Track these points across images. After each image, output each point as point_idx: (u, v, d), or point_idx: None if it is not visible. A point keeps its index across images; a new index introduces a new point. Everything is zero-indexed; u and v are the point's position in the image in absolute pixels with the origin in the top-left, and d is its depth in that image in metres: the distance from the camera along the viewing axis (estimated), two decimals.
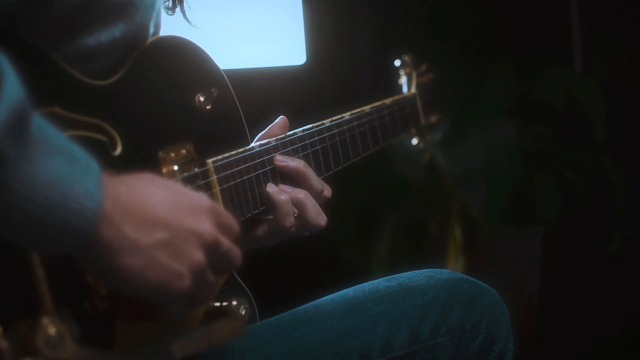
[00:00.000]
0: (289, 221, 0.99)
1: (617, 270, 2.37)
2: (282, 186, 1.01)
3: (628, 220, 2.25)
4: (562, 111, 2.33)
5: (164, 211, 0.72)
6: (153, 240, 0.71)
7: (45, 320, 0.68)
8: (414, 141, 1.57)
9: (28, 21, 0.74)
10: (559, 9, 2.43)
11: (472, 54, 2.51)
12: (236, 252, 0.79)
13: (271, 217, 1.01)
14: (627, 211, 2.25)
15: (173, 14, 1.00)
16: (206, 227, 0.75)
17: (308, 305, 1.06)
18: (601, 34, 2.40)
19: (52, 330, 0.68)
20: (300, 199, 1.00)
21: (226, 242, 0.77)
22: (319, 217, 1.01)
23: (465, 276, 1.10)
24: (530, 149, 2.33)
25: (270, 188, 0.99)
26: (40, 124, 0.65)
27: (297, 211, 1.01)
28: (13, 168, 0.62)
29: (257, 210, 0.98)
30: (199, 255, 0.74)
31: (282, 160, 1.02)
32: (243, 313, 0.88)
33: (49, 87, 0.65)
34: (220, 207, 0.78)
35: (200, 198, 0.77)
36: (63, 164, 0.65)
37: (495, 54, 2.46)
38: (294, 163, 1.02)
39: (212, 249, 0.75)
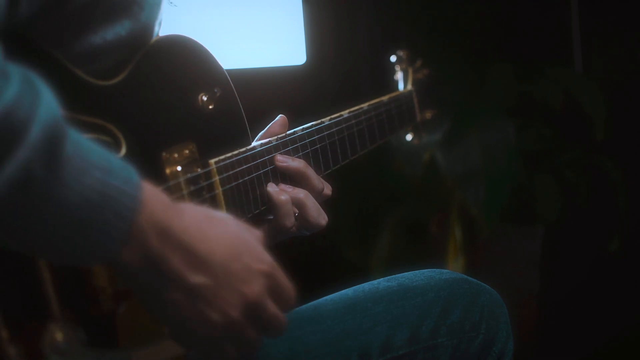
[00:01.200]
0: (290, 221, 0.99)
1: (617, 270, 2.37)
2: (283, 186, 1.01)
3: (628, 220, 2.25)
4: (562, 111, 2.33)
5: (217, 260, 0.72)
6: (193, 283, 0.71)
7: (52, 326, 0.68)
8: (408, 137, 1.57)
9: (38, 22, 0.74)
10: (559, 9, 2.43)
11: (472, 54, 2.51)
12: (280, 321, 0.77)
13: (272, 217, 1.01)
14: (627, 211, 2.25)
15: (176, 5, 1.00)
16: (254, 288, 0.74)
17: (308, 305, 1.06)
18: (601, 34, 2.39)
19: (59, 335, 0.68)
20: (301, 198, 1.00)
21: (271, 309, 0.76)
22: (319, 216, 1.01)
23: (465, 276, 1.10)
24: (530, 149, 2.33)
25: (271, 188, 0.99)
26: (75, 139, 0.64)
27: (297, 211, 1.00)
28: (42, 190, 0.62)
29: (259, 210, 0.98)
30: (234, 313, 0.73)
31: (283, 160, 1.02)
32: None
33: (55, 89, 0.65)
34: (280, 272, 0.77)
35: (263, 256, 0.76)
36: (100, 179, 0.64)
37: (495, 53, 2.46)
38: (295, 163, 1.02)
39: (254, 311, 0.74)
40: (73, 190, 0.63)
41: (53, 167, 0.62)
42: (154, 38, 0.87)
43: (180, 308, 0.71)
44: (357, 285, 1.09)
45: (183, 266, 0.70)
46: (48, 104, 0.63)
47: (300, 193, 1.01)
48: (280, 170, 1.01)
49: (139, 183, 0.68)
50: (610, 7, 2.34)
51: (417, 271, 1.10)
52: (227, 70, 0.97)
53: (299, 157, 1.05)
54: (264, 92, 2.09)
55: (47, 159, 0.62)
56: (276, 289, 0.77)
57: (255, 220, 1.00)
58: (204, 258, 0.71)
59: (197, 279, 0.71)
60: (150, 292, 0.71)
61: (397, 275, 1.10)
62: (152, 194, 0.69)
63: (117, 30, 0.81)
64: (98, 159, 0.65)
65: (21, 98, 0.61)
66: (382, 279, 1.09)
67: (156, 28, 0.88)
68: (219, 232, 0.74)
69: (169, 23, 0.96)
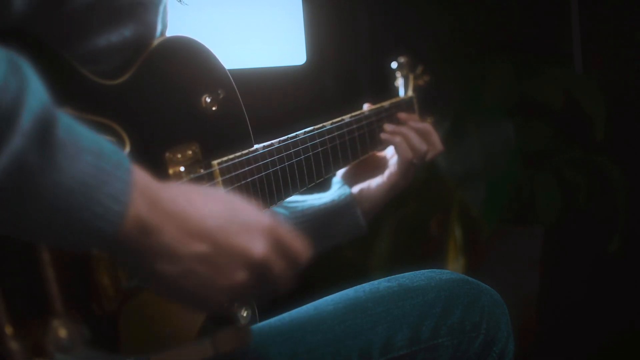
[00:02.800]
0: (409, 154, 1.29)
1: (617, 270, 2.37)
2: (388, 126, 1.31)
3: (628, 220, 2.25)
4: (562, 111, 2.33)
5: (212, 224, 0.71)
6: (192, 252, 0.70)
7: (55, 323, 0.69)
8: None
9: (40, 22, 0.74)
10: (559, 9, 2.43)
11: (472, 53, 2.51)
12: (288, 279, 0.77)
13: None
14: (627, 211, 2.25)
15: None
16: (257, 246, 0.73)
17: (308, 305, 1.06)
18: (601, 34, 2.39)
19: (62, 332, 0.68)
20: (401, 131, 1.30)
21: (278, 266, 0.75)
22: (421, 144, 1.31)
23: (466, 276, 1.10)
24: (530, 149, 2.33)
25: (384, 135, 1.30)
26: (66, 124, 0.64)
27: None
28: (38, 176, 0.62)
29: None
30: (241, 275, 0.72)
31: (405, 117, 1.36)
32: (245, 315, 0.88)
33: (60, 87, 0.65)
34: (283, 229, 0.76)
35: (259, 215, 0.75)
36: (91, 162, 0.64)
37: (495, 53, 2.46)
38: (421, 124, 1.33)
39: (260, 270, 0.74)
40: (66, 174, 0.63)
41: (46, 153, 0.62)
42: (158, 39, 0.87)
43: (187, 280, 0.70)
44: (358, 286, 1.09)
45: (180, 236, 0.69)
46: (36, 89, 0.63)
47: (402, 128, 1.31)
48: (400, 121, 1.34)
49: (129, 165, 0.68)
50: (610, 7, 2.34)
51: (417, 271, 1.10)
52: (227, 70, 0.97)
53: (299, 161, 1.06)
54: (264, 92, 2.09)
55: (40, 146, 0.61)
56: (282, 245, 0.76)
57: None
58: (197, 225, 0.71)
59: (196, 247, 0.70)
60: (155, 273, 0.70)
61: (397, 275, 1.10)
62: (142, 176, 0.69)
63: (121, 32, 0.81)
64: (89, 143, 0.65)
65: (6, 83, 0.60)
66: (382, 279, 1.09)
67: (159, 29, 0.89)
68: (208, 200, 0.73)
69: (169, 23, 0.97)
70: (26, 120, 0.61)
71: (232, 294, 0.73)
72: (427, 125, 1.34)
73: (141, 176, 0.69)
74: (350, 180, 1.33)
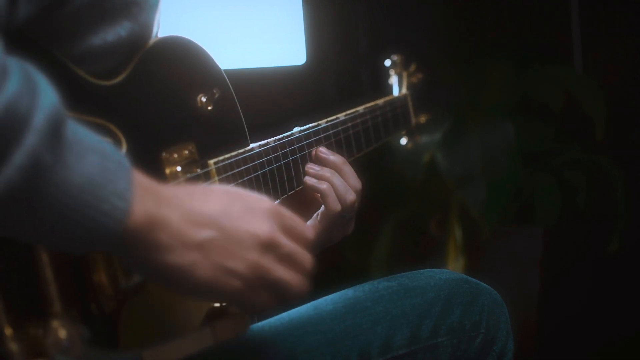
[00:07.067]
0: (337, 206, 1.04)
1: (617, 271, 2.37)
2: (310, 165, 1.07)
3: (628, 220, 2.25)
4: (562, 111, 2.33)
5: (215, 210, 0.72)
6: (200, 238, 0.71)
7: (55, 323, 0.69)
8: (403, 141, 1.57)
9: (38, 23, 0.75)
10: (559, 9, 2.43)
11: (472, 54, 2.51)
12: (303, 255, 0.77)
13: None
14: (627, 211, 2.25)
15: None
16: (263, 227, 0.74)
17: (308, 305, 1.06)
18: (601, 34, 2.39)
19: (62, 333, 0.68)
20: (329, 177, 1.05)
21: (289, 244, 0.75)
22: (347, 193, 1.06)
23: (465, 276, 1.10)
24: (530, 149, 2.33)
25: (310, 180, 1.06)
26: (73, 126, 0.66)
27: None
28: (50, 174, 0.63)
29: None
30: (252, 255, 0.73)
31: (325, 152, 1.08)
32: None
33: (56, 88, 0.66)
34: (285, 211, 0.77)
35: (261, 200, 0.76)
36: (97, 162, 0.66)
37: (495, 53, 2.46)
38: (333, 157, 1.08)
39: (271, 249, 0.74)
40: (75, 172, 0.64)
41: (58, 151, 0.63)
42: (153, 39, 0.87)
43: (199, 268, 0.71)
44: (357, 285, 1.09)
45: (186, 225, 0.70)
46: (47, 91, 0.64)
47: (327, 172, 1.06)
48: (320, 161, 1.07)
49: (128, 165, 0.69)
50: (610, 7, 2.34)
51: (417, 271, 1.10)
52: (226, 70, 0.97)
53: (295, 159, 1.06)
54: (264, 92, 2.09)
55: (52, 144, 0.63)
56: (288, 225, 0.76)
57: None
58: (201, 212, 0.71)
59: (203, 233, 0.71)
60: (166, 267, 0.70)
61: (397, 275, 1.10)
62: (139, 175, 0.70)
63: (117, 31, 0.81)
64: (94, 143, 0.67)
65: (22, 90, 0.62)
66: (382, 278, 1.09)
67: (155, 29, 0.89)
68: (207, 191, 0.75)
69: (169, 23, 0.97)
70: (39, 119, 0.62)
71: (249, 278, 0.72)
72: (347, 166, 1.09)
73: (140, 175, 0.70)
74: None
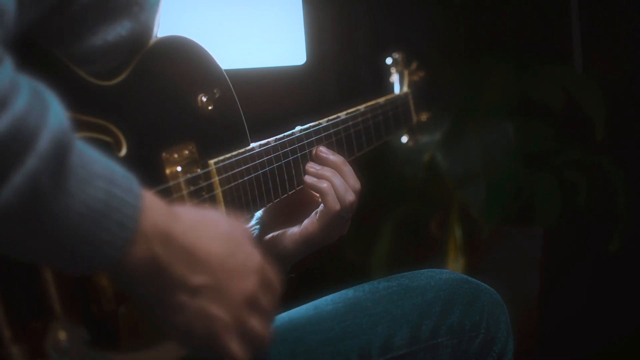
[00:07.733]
0: (337, 205, 1.05)
1: (617, 271, 2.37)
2: (311, 164, 1.08)
3: (628, 220, 2.25)
4: (562, 111, 2.33)
5: (215, 259, 0.73)
6: (195, 284, 0.72)
7: (55, 325, 0.68)
8: (404, 139, 1.57)
9: (39, 25, 0.74)
10: (559, 9, 2.43)
11: (472, 53, 2.51)
12: (273, 310, 0.79)
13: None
14: (627, 211, 2.25)
15: None
16: (249, 283, 0.75)
17: (308, 305, 1.06)
18: (601, 34, 2.39)
19: (62, 335, 0.68)
20: (328, 176, 1.07)
21: (265, 300, 0.77)
22: (346, 192, 1.06)
23: (465, 276, 1.10)
24: (530, 149, 2.33)
25: (309, 179, 1.07)
26: (80, 149, 0.65)
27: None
28: (48, 200, 0.62)
29: (257, 210, 0.98)
30: (236, 307, 0.74)
31: (325, 152, 1.09)
32: None
33: (56, 89, 0.65)
34: (268, 267, 0.79)
35: (253, 254, 0.77)
36: (102, 188, 0.65)
37: (495, 53, 2.46)
38: (334, 157, 1.09)
39: (251, 303, 0.76)
40: (77, 199, 0.63)
41: (59, 176, 0.62)
42: (154, 39, 0.87)
43: (185, 309, 0.71)
44: (357, 285, 1.09)
45: (185, 269, 0.71)
46: (56, 114, 0.63)
47: (327, 172, 1.07)
48: (320, 161, 1.08)
49: (140, 192, 0.68)
50: (610, 7, 2.34)
51: (417, 271, 1.10)
52: (227, 70, 0.97)
53: (295, 158, 1.06)
54: (264, 92, 2.09)
55: (55, 169, 0.62)
56: (266, 283, 0.78)
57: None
58: (203, 259, 0.72)
59: (199, 279, 0.72)
60: (155, 298, 0.71)
61: (397, 275, 1.10)
62: (152, 202, 0.70)
63: (117, 31, 0.81)
64: (101, 169, 0.66)
65: (30, 109, 0.61)
66: (382, 278, 1.09)
67: (155, 29, 0.89)
68: (213, 234, 0.75)
69: (169, 23, 0.97)
70: (43, 143, 0.61)
71: (228, 325, 0.74)
72: (347, 166, 1.10)
73: (152, 201, 0.70)
74: (271, 220, 1.12)
